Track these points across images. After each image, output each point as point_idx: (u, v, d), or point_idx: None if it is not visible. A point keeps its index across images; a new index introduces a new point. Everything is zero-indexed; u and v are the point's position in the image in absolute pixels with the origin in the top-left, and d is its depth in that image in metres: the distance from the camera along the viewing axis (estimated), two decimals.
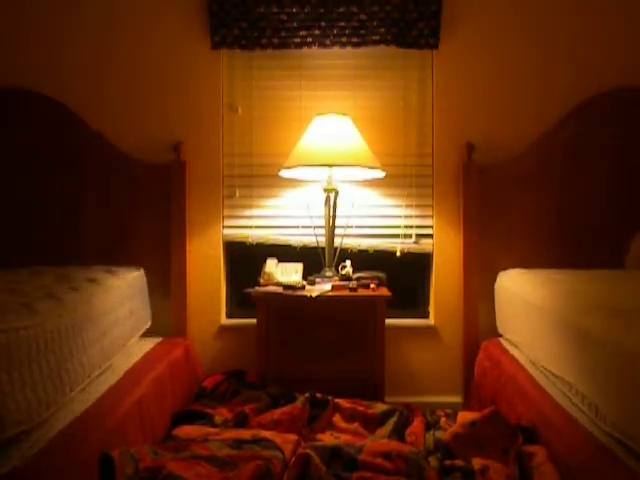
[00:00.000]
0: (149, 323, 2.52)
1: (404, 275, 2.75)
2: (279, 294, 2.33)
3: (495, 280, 2.56)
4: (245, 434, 1.85)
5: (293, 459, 1.66)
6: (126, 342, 2.17)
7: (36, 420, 1.40)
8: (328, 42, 2.59)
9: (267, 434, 1.84)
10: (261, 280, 2.48)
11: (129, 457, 1.55)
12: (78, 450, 1.43)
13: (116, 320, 2.08)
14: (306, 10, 2.56)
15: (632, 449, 1.32)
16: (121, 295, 2.19)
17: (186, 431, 1.93)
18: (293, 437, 1.83)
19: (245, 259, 2.77)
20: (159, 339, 2.51)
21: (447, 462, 1.66)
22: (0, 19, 2.64)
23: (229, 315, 2.77)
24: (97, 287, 2.00)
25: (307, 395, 2.08)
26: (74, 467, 1.38)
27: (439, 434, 1.90)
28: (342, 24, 2.57)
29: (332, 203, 2.54)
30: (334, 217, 2.55)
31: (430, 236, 2.70)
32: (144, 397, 1.87)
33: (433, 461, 1.72)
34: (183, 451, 1.70)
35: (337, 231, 2.58)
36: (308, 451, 1.64)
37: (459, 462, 1.65)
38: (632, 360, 1.33)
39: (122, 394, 1.81)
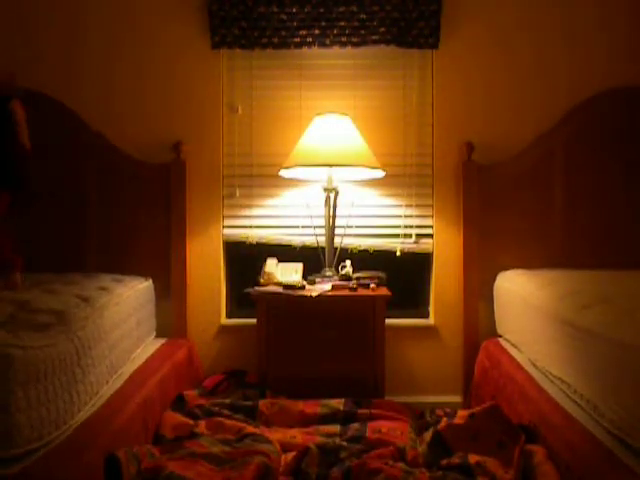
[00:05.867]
0: (154, 334, 2.53)
1: (404, 275, 2.75)
2: (279, 294, 2.33)
3: (495, 280, 2.56)
4: (230, 432, 1.87)
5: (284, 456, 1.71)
6: (131, 354, 2.16)
7: (46, 439, 1.40)
8: (328, 42, 2.59)
9: (254, 430, 1.86)
10: (261, 280, 2.49)
11: (133, 457, 1.56)
12: (85, 452, 1.43)
13: (124, 333, 2.07)
14: (306, 10, 2.56)
15: (630, 446, 1.33)
16: (130, 307, 2.19)
17: (170, 421, 1.93)
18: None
19: (245, 259, 2.77)
20: (163, 340, 2.51)
21: (444, 462, 1.66)
22: (1, 19, 2.65)
23: (229, 315, 2.77)
24: (108, 299, 1.98)
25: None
26: (81, 469, 1.39)
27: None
28: (342, 24, 2.57)
29: (332, 203, 2.54)
30: (334, 217, 2.55)
31: (430, 236, 2.70)
32: (148, 399, 1.87)
33: (428, 456, 1.72)
34: (178, 450, 1.70)
35: (337, 231, 2.58)
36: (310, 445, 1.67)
37: (455, 460, 1.65)
38: (630, 357, 1.34)
39: (127, 397, 1.81)
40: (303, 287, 2.37)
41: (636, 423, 1.30)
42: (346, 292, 2.36)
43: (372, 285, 2.42)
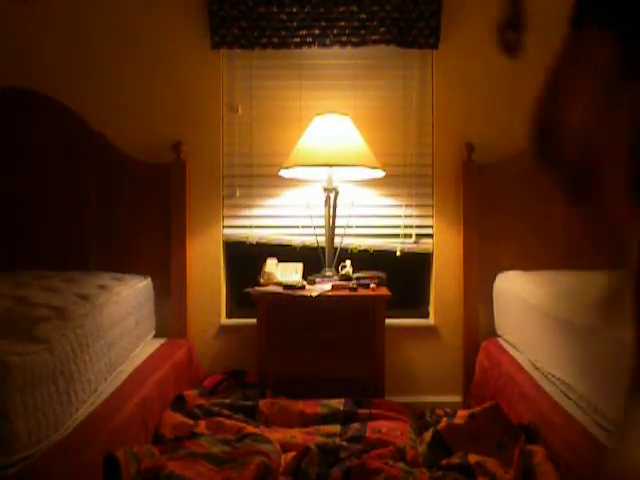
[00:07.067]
0: (153, 332, 2.53)
1: (404, 275, 2.75)
2: (279, 294, 2.33)
3: (495, 280, 2.56)
4: (230, 432, 1.87)
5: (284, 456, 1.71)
6: (130, 353, 2.15)
7: (44, 443, 1.39)
8: (328, 42, 2.59)
9: (254, 430, 1.86)
10: (261, 280, 2.48)
11: (132, 456, 1.56)
12: (84, 452, 1.43)
13: (123, 331, 2.07)
14: (306, 10, 2.56)
15: None
16: (129, 305, 2.18)
17: (170, 420, 1.93)
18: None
19: (245, 259, 2.77)
20: (162, 340, 2.51)
21: (444, 462, 1.67)
22: (2, 19, 2.65)
23: (229, 315, 2.77)
24: (108, 297, 1.98)
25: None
26: (79, 468, 1.39)
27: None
28: (342, 24, 2.57)
29: (332, 203, 2.54)
30: (334, 217, 2.55)
31: (430, 236, 2.70)
32: (147, 399, 1.87)
33: (428, 456, 1.73)
34: (178, 450, 1.70)
35: (337, 231, 2.58)
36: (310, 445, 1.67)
37: (455, 460, 1.66)
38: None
39: (126, 396, 1.80)
40: (303, 287, 2.37)
41: None
42: (346, 292, 2.36)
43: (372, 285, 2.42)
